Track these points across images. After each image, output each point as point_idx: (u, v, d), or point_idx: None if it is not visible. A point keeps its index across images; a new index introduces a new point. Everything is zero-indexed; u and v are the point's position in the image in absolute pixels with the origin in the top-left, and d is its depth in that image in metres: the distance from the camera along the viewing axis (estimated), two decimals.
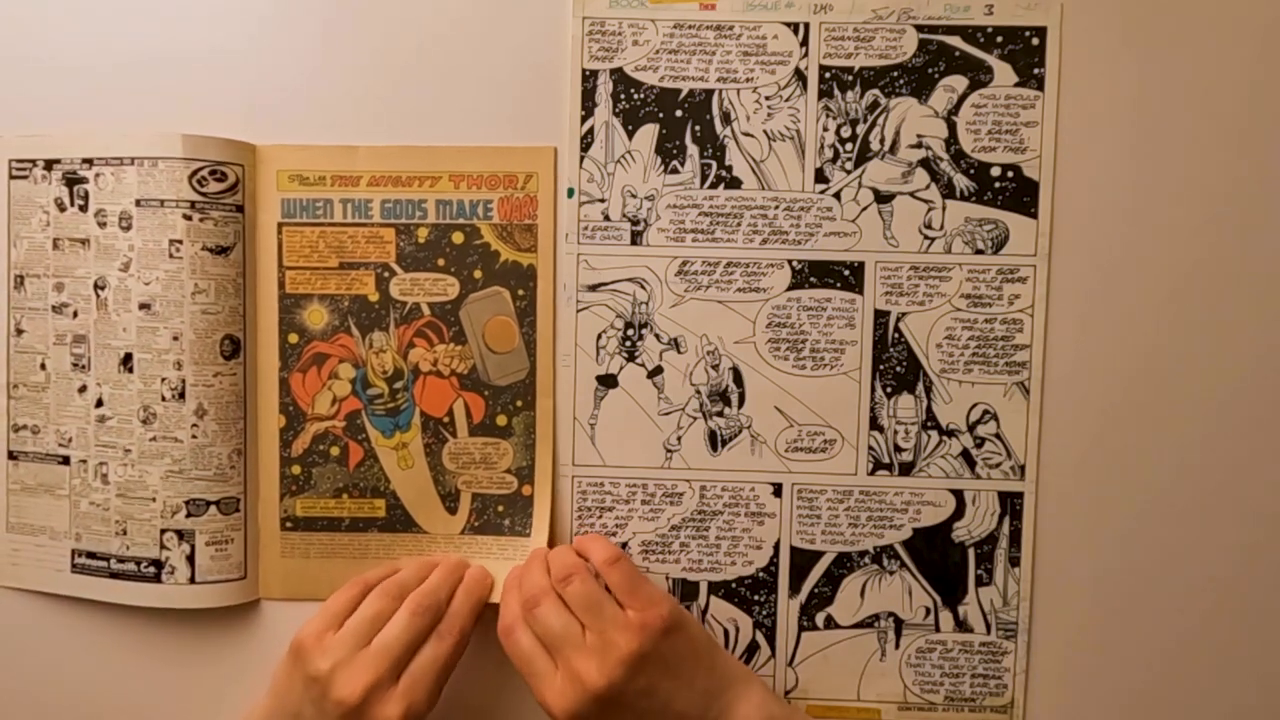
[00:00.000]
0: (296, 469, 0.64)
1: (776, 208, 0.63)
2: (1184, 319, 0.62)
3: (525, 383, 0.64)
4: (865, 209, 0.63)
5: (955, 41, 0.62)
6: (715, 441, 0.64)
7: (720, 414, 0.64)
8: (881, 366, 0.63)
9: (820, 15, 0.62)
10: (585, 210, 0.63)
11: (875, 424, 0.63)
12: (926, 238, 0.63)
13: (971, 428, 0.63)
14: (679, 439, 0.64)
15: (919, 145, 0.62)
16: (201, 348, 0.62)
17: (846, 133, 0.62)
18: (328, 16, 0.62)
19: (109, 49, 0.63)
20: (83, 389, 0.63)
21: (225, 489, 0.63)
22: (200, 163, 0.61)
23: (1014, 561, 0.64)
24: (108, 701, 0.65)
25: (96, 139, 0.62)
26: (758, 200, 0.63)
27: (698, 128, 0.63)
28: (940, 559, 0.64)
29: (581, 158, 0.63)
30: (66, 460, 0.64)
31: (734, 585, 0.64)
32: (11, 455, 0.65)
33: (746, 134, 0.63)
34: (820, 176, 0.63)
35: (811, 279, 0.63)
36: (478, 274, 0.63)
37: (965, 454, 0.63)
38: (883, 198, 0.63)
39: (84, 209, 0.62)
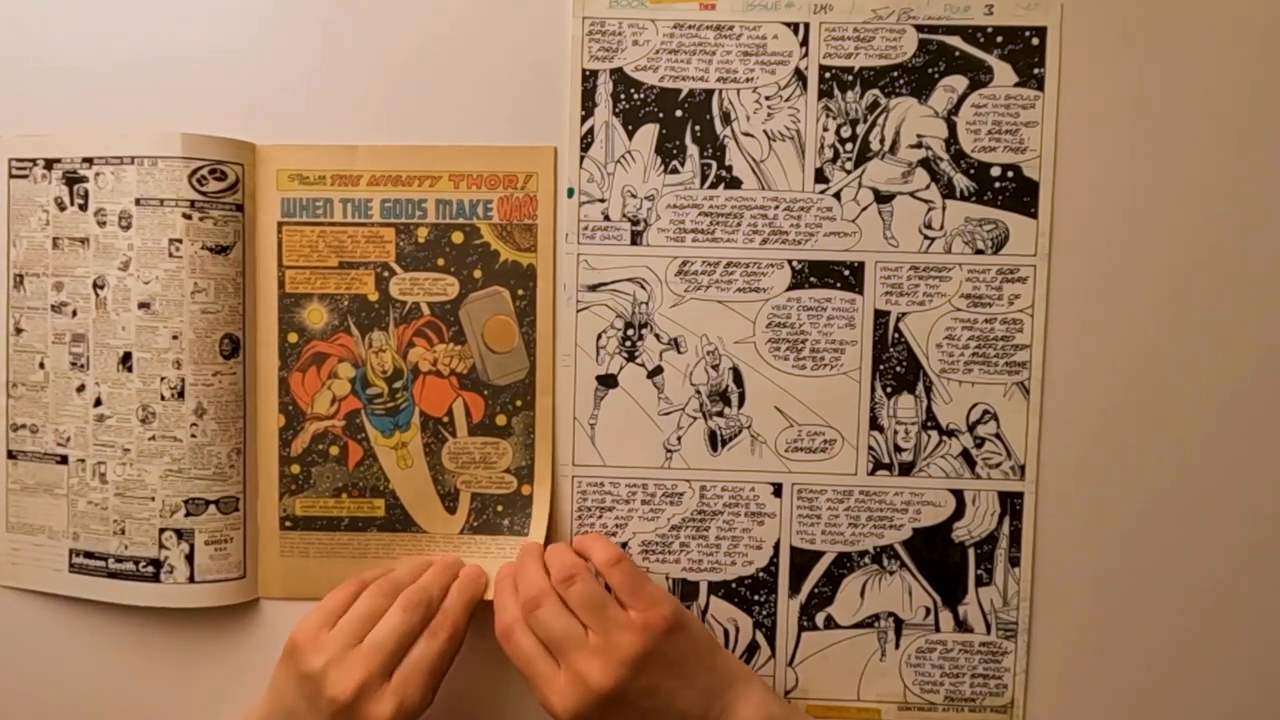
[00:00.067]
0: (296, 468, 0.64)
1: (776, 208, 0.63)
2: (1184, 319, 0.62)
3: (525, 382, 0.64)
4: (865, 209, 0.63)
5: (955, 41, 0.62)
6: (715, 441, 0.64)
7: (720, 414, 0.64)
8: (881, 366, 0.63)
9: (820, 15, 0.62)
10: (585, 210, 0.63)
11: (875, 424, 0.63)
12: (926, 238, 0.63)
13: (971, 428, 0.63)
14: (679, 439, 0.64)
15: (919, 145, 0.62)
16: (201, 347, 0.62)
17: (846, 133, 0.62)
18: (328, 16, 0.62)
19: (109, 49, 0.63)
20: (81, 388, 0.63)
21: (224, 488, 0.63)
22: (200, 162, 0.61)
23: (1014, 561, 0.64)
24: (107, 701, 0.65)
25: (96, 138, 0.62)
26: (758, 200, 0.63)
27: (698, 128, 0.63)
28: (940, 559, 0.64)
29: (581, 158, 0.63)
30: (65, 460, 0.64)
31: (734, 585, 0.64)
32: (10, 454, 0.64)
33: (746, 134, 0.63)
34: (820, 176, 0.63)
35: (811, 279, 0.63)
36: (477, 274, 0.63)
37: (965, 454, 0.63)
38: (883, 198, 0.63)
39: (84, 208, 0.62)
